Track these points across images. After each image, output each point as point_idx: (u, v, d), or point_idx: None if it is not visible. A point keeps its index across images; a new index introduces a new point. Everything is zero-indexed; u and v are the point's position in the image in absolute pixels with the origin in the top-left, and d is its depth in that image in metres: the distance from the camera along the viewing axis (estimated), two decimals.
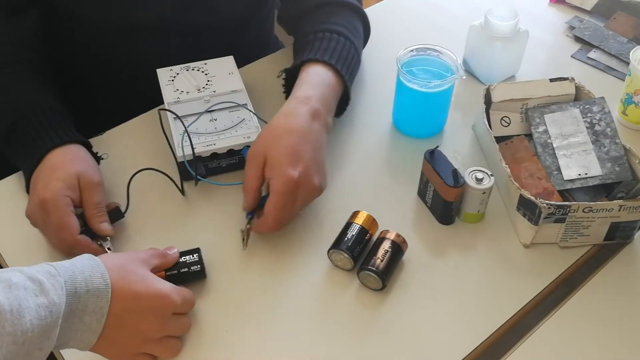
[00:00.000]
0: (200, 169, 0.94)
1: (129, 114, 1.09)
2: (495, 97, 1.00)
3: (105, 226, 0.87)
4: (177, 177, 0.96)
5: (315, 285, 0.87)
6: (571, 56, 1.20)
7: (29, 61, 1.00)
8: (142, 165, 0.96)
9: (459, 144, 1.05)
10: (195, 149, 0.94)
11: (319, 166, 0.88)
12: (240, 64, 1.09)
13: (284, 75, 1.01)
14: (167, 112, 0.98)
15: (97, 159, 0.95)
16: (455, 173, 0.88)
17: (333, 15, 1.06)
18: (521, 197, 0.87)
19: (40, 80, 0.99)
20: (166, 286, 0.77)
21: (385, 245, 0.86)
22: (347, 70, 1.00)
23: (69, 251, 0.84)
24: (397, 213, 0.95)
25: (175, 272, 0.84)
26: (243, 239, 0.88)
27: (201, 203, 0.96)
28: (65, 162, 0.87)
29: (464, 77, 0.96)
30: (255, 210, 0.89)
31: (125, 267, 0.75)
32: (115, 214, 0.91)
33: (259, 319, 0.83)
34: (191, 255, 0.85)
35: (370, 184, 0.99)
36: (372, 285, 0.85)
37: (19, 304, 0.62)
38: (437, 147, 0.91)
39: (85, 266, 0.72)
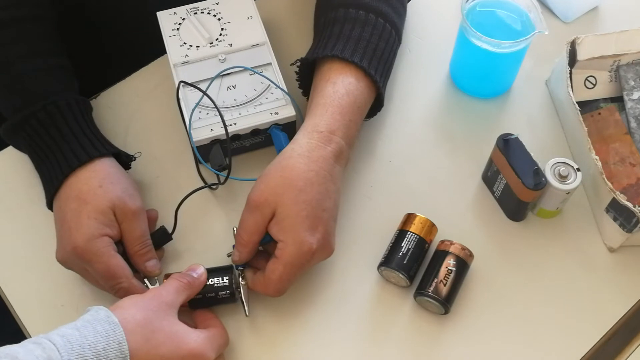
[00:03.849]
0: (220, 159, 0.76)
1: (130, 67, 0.90)
2: (582, 54, 0.80)
3: (152, 265, 0.72)
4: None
5: (362, 307, 0.74)
6: None
7: (36, 18, 0.79)
8: (149, 128, 0.80)
9: (529, 104, 0.86)
10: (212, 131, 0.77)
11: (335, 222, 0.71)
12: None
13: (298, 64, 0.80)
14: (175, 71, 0.80)
15: (129, 160, 0.78)
16: (537, 173, 0.72)
17: None
18: (614, 200, 0.71)
19: (51, 50, 0.79)
20: (198, 340, 0.64)
21: (449, 263, 0.71)
22: (382, 71, 0.78)
23: (123, 297, 0.68)
24: (458, 203, 0.80)
25: (200, 296, 0.71)
26: (242, 302, 0.71)
27: (228, 200, 0.80)
28: (94, 189, 0.70)
29: (547, 33, 0.76)
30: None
31: (150, 323, 0.62)
32: (162, 237, 0.75)
33: (298, 351, 0.71)
34: (220, 278, 0.71)
35: (424, 161, 0.83)
36: (432, 310, 0.73)
37: None
38: (515, 135, 0.73)
39: (99, 334, 0.59)
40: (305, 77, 0.80)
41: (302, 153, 0.70)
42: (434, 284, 0.70)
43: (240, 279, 0.72)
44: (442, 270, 0.71)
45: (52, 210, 0.74)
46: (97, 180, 0.71)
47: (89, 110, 0.78)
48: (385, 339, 0.72)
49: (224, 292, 0.71)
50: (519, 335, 0.72)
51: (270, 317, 0.73)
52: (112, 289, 0.70)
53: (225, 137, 0.76)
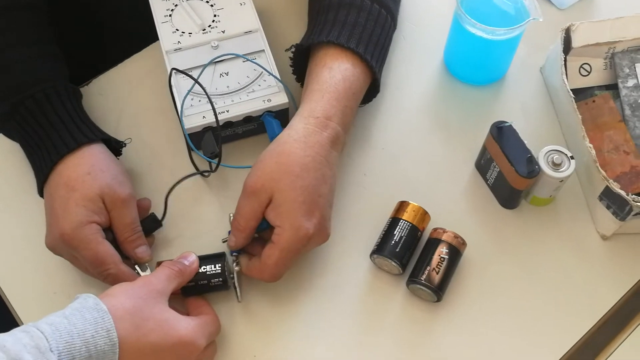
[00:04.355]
0: (212, 146, 0.76)
1: (123, 54, 0.89)
2: (577, 41, 0.80)
3: (142, 251, 0.72)
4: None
5: (355, 294, 0.74)
6: None
7: (26, 6, 0.78)
8: (141, 115, 0.79)
9: (523, 91, 0.86)
10: (204, 118, 0.76)
11: (331, 208, 0.71)
12: None
13: (293, 50, 0.79)
14: (167, 58, 0.79)
15: (119, 146, 0.78)
16: (530, 160, 0.71)
17: None
18: (607, 188, 0.71)
19: (41, 38, 0.78)
20: (189, 328, 0.64)
21: (441, 251, 0.71)
22: (377, 57, 0.77)
23: (112, 283, 0.68)
24: (451, 191, 0.79)
25: (192, 284, 0.71)
26: (234, 289, 0.72)
27: (220, 187, 0.80)
28: (83, 176, 0.70)
29: (541, 20, 0.76)
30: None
31: (140, 311, 0.62)
32: (151, 224, 0.75)
33: (290, 338, 0.71)
34: (213, 266, 0.71)
35: (418, 148, 0.82)
36: (425, 298, 0.72)
37: None
38: (509, 123, 0.73)
39: (88, 322, 0.58)
40: (299, 63, 0.80)
41: (299, 138, 0.70)
42: (426, 272, 0.70)
43: (234, 264, 0.72)
44: (435, 258, 0.71)
45: (43, 198, 0.74)
46: (85, 167, 0.71)
47: (78, 97, 0.78)
48: (377, 326, 0.72)
49: (217, 279, 0.71)
50: (511, 323, 0.72)
51: (263, 304, 0.73)
52: (100, 276, 0.69)
53: (215, 125, 0.75)
